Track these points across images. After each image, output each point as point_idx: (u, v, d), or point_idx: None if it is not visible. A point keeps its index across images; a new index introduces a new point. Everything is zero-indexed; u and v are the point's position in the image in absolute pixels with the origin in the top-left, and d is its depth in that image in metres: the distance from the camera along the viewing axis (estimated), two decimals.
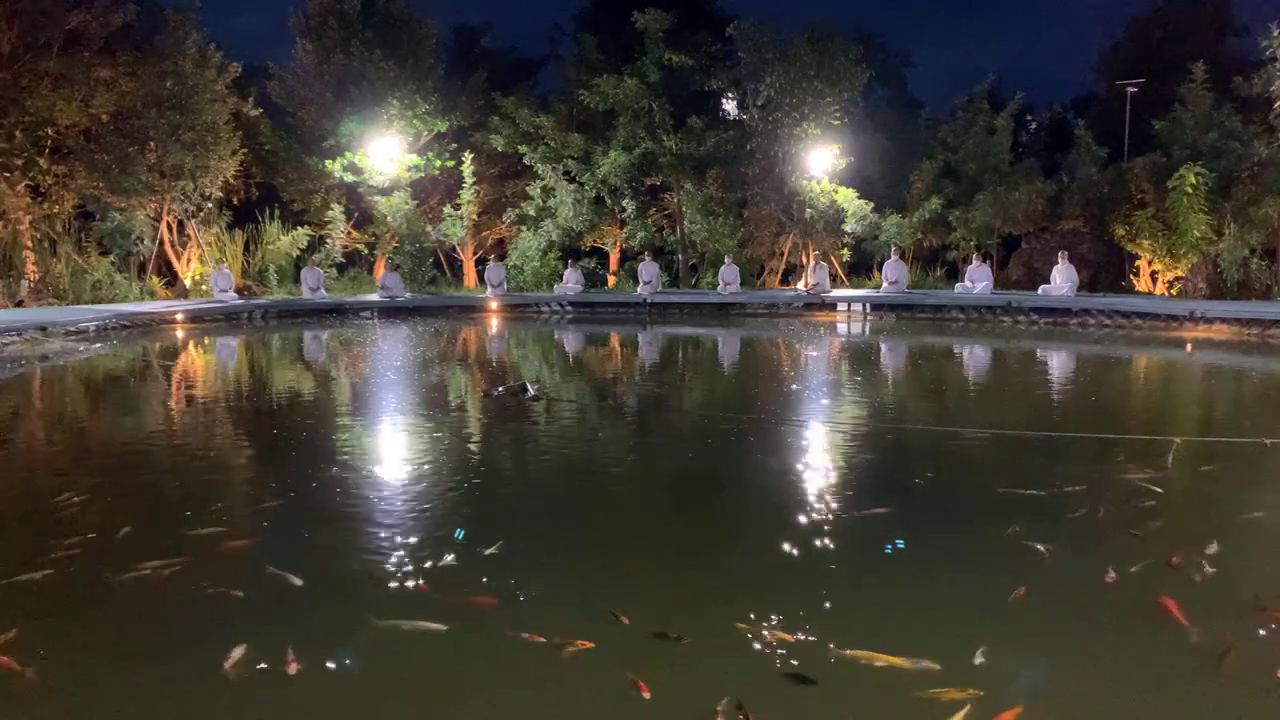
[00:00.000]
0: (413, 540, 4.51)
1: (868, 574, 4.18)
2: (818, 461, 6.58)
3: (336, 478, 5.81)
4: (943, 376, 11.82)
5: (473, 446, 7.18)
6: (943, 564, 4.24)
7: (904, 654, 3.19)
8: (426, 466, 6.28)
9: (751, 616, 3.52)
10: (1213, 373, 11.81)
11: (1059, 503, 5.07)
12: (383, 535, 4.60)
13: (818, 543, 4.45)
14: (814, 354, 13.99)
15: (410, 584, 3.92)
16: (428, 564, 4.15)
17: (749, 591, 3.89)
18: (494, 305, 21.20)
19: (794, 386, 10.30)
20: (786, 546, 4.41)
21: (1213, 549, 4.22)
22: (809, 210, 22.98)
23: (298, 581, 3.92)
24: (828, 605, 3.69)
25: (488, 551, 4.31)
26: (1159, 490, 5.31)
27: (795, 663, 3.16)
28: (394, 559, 4.22)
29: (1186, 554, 4.15)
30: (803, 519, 4.85)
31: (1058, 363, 12.93)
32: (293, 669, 3.11)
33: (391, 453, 6.91)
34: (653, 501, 5.65)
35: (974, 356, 13.87)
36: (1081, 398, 9.67)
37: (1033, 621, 3.59)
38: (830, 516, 4.90)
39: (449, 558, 4.24)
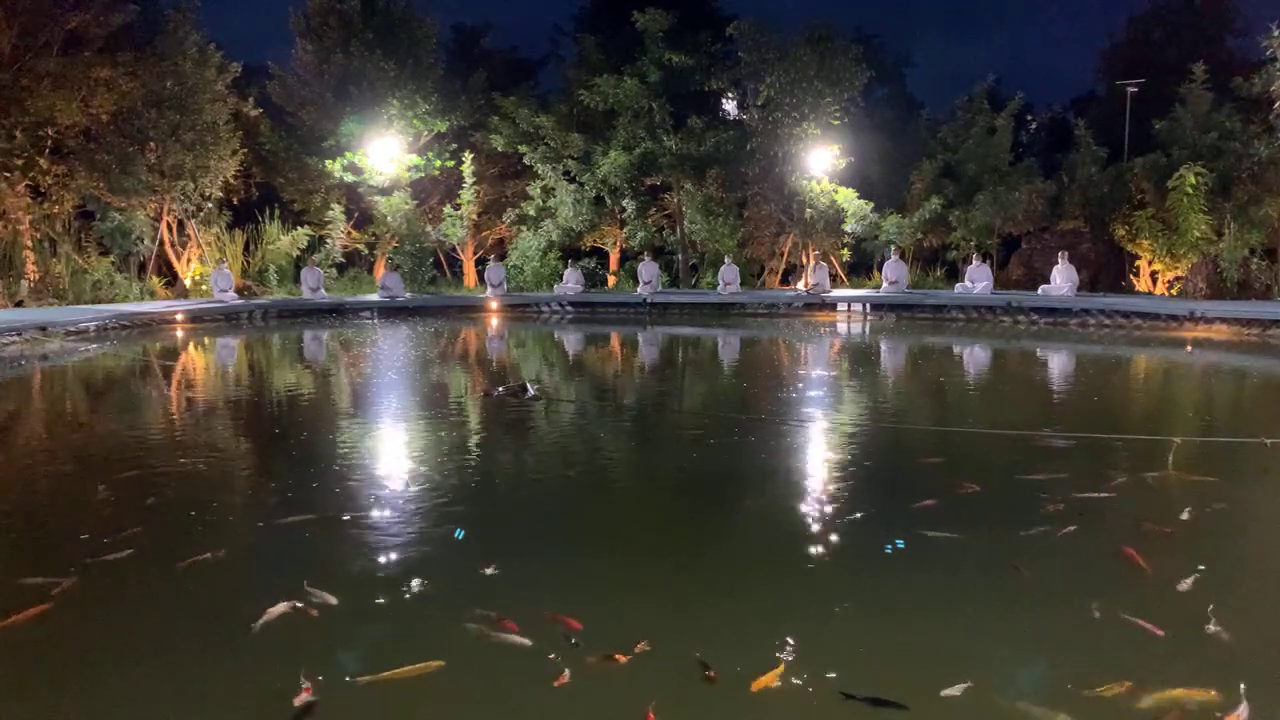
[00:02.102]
0: (417, 546, 4.51)
1: (914, 585, 4.07)
2: (827, 463, 6.58)
3: (338, 478, 5.81)
4: (946, 377, 11.80)
5: (473, 448, 7.17)
6: (990, 572, 4.17)
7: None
8: (428, 469, 6.27)
9: (803, 638, 3.42)
10: (1213, 373, 11.82)
11: (1103, 505, 5.07)
12: (389, 541, 4.60)
13: (850, 552, 4.44)
14: (814, 354, 13.98)
15: (416, 592, 3.91)
16: (435, 573, 4.14)
17: (783, 607, 3.83)
18: (494, 305, 21.19)
19: (795, 386, 10.29)
20: (812, 560, 4.40)
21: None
22: (809, 210, 22.97)
23: (333, 600, 3.73)
24: (890, 622, 3.62)
25: (491, 570, 4.28)
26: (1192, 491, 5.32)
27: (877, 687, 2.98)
28: (398, 567, 4.22)
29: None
30: (829, 527, 4.84)
31: (1058, 363, 12.93)
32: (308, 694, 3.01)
33: (392, 455, 6.90)
34: (668, 508, 5.58)
35: (978, 357, 13.86)
36: (1084, 398, 9.67)
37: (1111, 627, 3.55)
38: (853, 522, 4.89)
39: (452, 566, 4.23)
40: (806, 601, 3.76)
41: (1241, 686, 2.92)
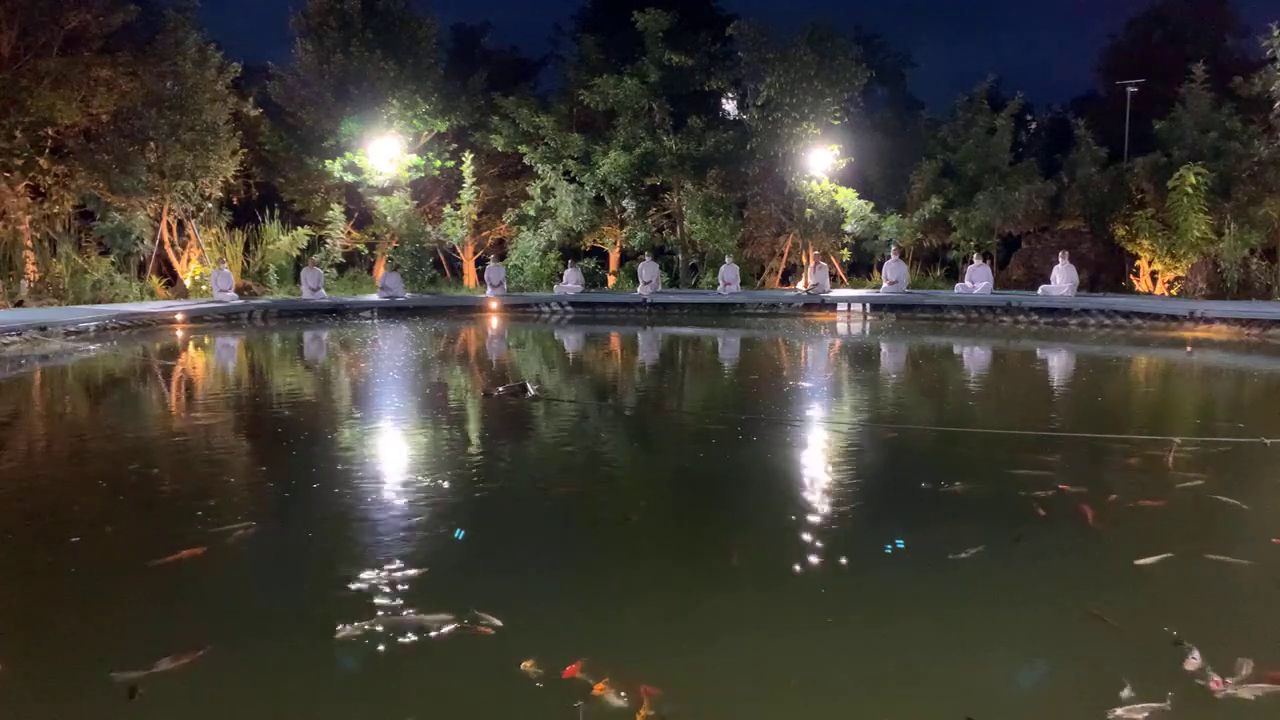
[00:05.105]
0: (413, 545, 4.51)
1: (915, 585, 4.05)
2: (829, 464, 6.56)
3: (338, 478, 5.80)
4: (945, 378, 11.80)
5: (473, 449, 7.17)
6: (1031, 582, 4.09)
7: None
8: (427, 469, 6.26)
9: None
10: (1213, 373, 11.81)
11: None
12: (383, 540, 4.60)
13: (850, 552, 4.44)
14: (814, 354, 13.98)
15: (409, 586, 3.92)
16: (431, 571, 4.14)
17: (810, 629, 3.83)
18: (494, 305, 21.20)
19: (795, 386, 10.29)
20: (814, 559, 4.40)
21: None
22: (809, 210, 22.98)
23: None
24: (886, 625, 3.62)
25: (500, 576, 4.29)
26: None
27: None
28: (395, 565, 4.22)
29: None
30: (831, 527, 4.84)
31: (1058, 363, 12.93)
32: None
33: (392, 456, 6.89)
34: (669, 507, 5.56)
35: (978, 357, 13.85)
36: (1085, 398, 9.67)
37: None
38: (854, 522, 4.88)
39: (455, 572, 4.23)
40: (809, 606, 3.76)
41: None
